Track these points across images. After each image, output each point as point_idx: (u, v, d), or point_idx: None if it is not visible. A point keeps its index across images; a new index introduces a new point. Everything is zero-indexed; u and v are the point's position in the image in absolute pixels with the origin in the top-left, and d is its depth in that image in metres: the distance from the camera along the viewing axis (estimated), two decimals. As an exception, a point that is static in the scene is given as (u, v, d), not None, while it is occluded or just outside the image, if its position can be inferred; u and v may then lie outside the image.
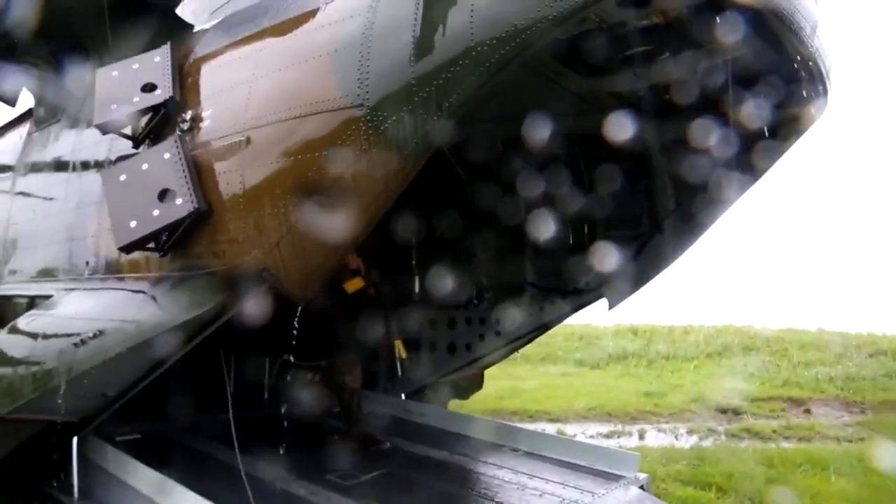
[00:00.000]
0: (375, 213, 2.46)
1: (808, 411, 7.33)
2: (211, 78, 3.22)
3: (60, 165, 4.24)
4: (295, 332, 3.26)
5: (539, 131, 3.93)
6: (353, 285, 4.28)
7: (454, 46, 2.29)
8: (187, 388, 4.29)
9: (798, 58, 2.89)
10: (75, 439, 3.61)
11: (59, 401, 3.28)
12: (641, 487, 4.11)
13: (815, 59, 2.94)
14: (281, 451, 4.16)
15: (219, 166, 2.97)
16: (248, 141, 2.84)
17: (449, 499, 3.89)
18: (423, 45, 2.34)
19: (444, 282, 5.02)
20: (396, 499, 3.73)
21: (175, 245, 3.04)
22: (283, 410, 5.05)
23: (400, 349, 4.68)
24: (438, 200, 4.47)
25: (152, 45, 3.51)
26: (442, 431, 4.93)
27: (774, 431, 6.59)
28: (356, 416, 4.58)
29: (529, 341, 5.30)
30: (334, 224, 2.53)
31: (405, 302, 5.27)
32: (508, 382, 8.40)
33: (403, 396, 5.67)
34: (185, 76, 3.29)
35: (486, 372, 5.72)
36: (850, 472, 5.01)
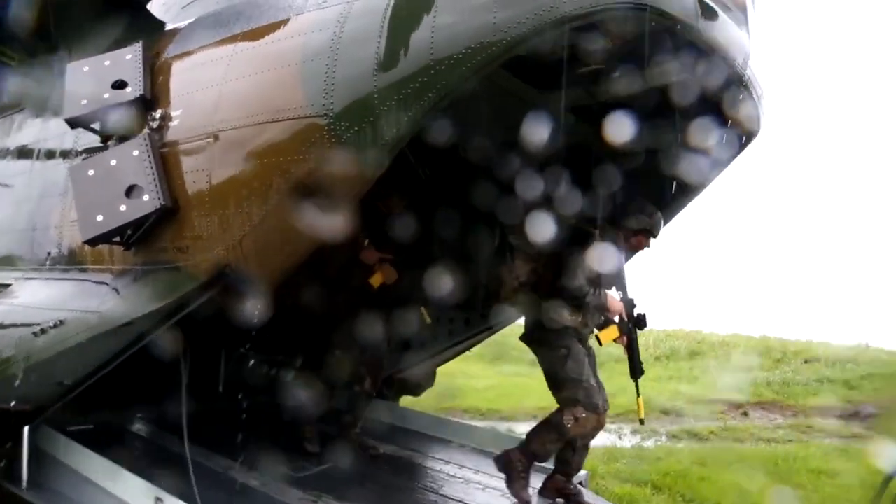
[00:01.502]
0: (335, 217, 2.60)
1: (745, 414, 7.72)
2: (181, 78, 3.30)
3: (23, 154, 4.25)
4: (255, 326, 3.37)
5: (500, 141, 4.13)
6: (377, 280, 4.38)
7: (415, 62, 2.44)
8: (146, 380, 4.33)
9: (733, 85, 3.14)
10: (27, 428, 3.64)
11: (14, 389, 3.31)
12: (580, 483, 4.34)
13: (749, 86, 3.19)
14: (235, 443, 4.25)
15: (186, 165, 3.07)
16: (216, 142, 2.95)
17: (395, 492, 4.04)
18: (385, 60, 2.49)
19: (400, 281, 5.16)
20: (345, 491, 3.85)
21: (140, 239, 3.12)
22: (241, 402, 5.13)
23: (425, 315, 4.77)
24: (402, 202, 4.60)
25: (122, 40, 3.57)
26: (392, 427, 5.09)
27: (712, 433, 6.94)
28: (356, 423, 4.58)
29: (481, 340, 5.48)
30: (295, 226, 2.67)
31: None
32: (462, 381, 8.59)
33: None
34: (155, 75, 3.37)
35: (441, 370, 5.88)
36: (774, 470, 5.37)
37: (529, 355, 11.65)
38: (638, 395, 3.83)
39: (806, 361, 9.44)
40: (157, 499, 3.22)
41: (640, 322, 3.90)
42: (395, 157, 2.63)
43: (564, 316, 3.78)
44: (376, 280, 4.39)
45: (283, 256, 2.83)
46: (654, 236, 3.89)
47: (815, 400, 7.97)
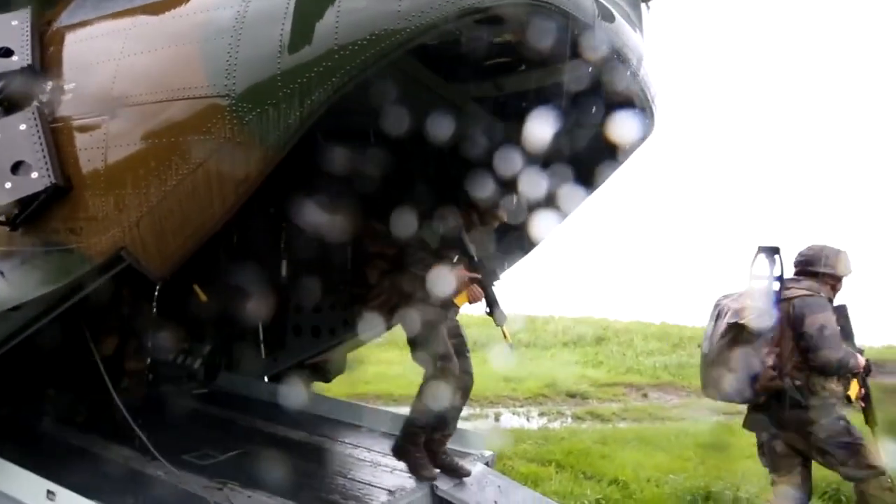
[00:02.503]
0: (236, 200, 2.57)
1: (645, 395, 8.18)
2: (75, 50, 3.14)
3: None
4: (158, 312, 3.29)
5: (409, 130, 4.17)
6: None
7: (319, 46, 2.44)
8: (39, 369, 4.13)
9: (627, 84, 3.32)
10: None
11: None
12: (487, 463, 4.49)
13: (642, 86, 3.39)
14: (137, 433, 4.12)
15: (80, 142, 2.93)
16: (113, 119, 2.84)
17: (303, 476, 4.02)
18: (290, 43, 2.47)
19: (311, 267, 5.14)
20: (251, 477, 3.82)
21: (29, 220, 2.96)
22: (142, 392, 4.98)
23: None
24: (308, 187, 4.57)
25: (7, 5, 3.35)
26: (302, 413, 5.06)
27: (614, 413, 7.32)
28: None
29: (391, 326, 5.54)
30: (195, 208, 2.62)
31: (270, 285, 5.35)
32: (375, 367, 8.63)
33: (266, 379, 5.74)
34: (46, 45, 3.19)
35: (354, 356, 5.91)
36: (667, 446, 5.74)
37: (443, 342, 11.63)
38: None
39: (699, 345, 10.09)
40: (49, 492, 3.10)
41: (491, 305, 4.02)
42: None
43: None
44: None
45: (183, 239, 2.76)
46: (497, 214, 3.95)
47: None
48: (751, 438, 6.14)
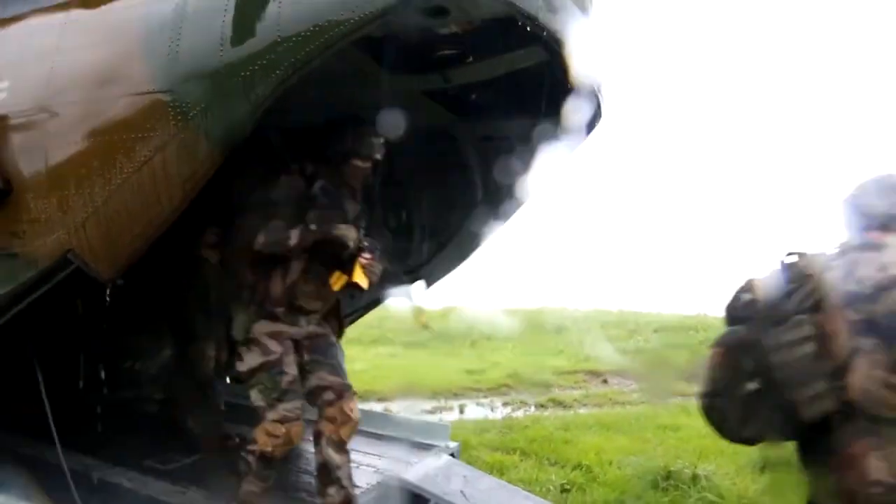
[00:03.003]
0: (184, 197, 2.53)
1: (605, 381, 8.35)
2: (7, 46, 3.04)
3: None
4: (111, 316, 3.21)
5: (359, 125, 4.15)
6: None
7: (262, 39, 2.42)
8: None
9: (574, 73, 3.37)
10: None
11: None
12: (452, 454, 4.53)
13: (590, 75, 3.45)
14: (96, 440, 4.04)
15: (18, 142, 2.85)
16: (52, 117, 2.77)
17: (269, 474, 4.00)
18: (232, 36, 2.44)
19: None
20: (216, 480, 3.78)
21: (-33, 225, 2.87)
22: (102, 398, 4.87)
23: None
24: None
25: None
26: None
27: (575, 400, 7.45)
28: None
29: (354, 320, 5.52)
30: (142, 207, 2.58)
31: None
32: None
33: (228, 380, 5.66)
34: (-24, 42, 3.09)
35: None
36: (628, 429, 5.88)
37: (404, 337, 11.95)
38: None
39: (655, 331, 10.40)
40: (5, 503, 3.03)
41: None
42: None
43: None
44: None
45: (131, 239, 2.71)
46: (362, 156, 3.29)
47: (665, 365, 8.81)
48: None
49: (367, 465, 4.23)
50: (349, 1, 2.41)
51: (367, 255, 3.11)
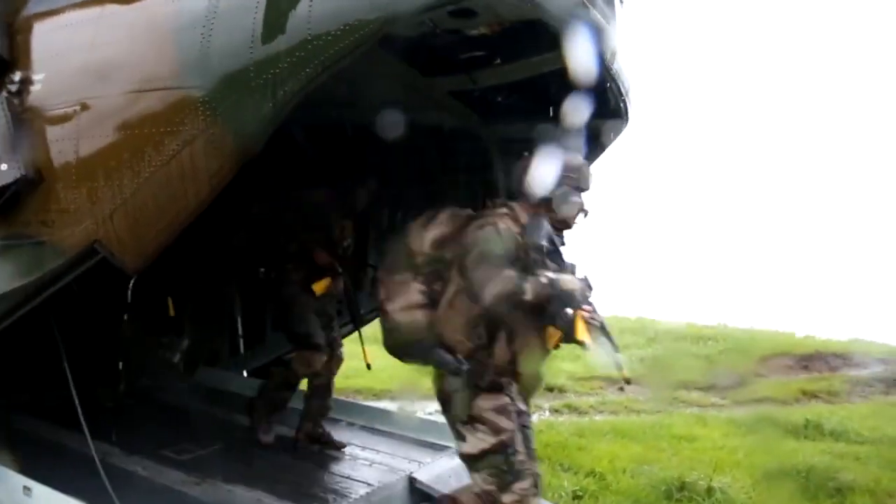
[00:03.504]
0: (210, 192, 2.56)
1: (621, 389, 8.25)
2: (45, 39, 3.09)
3: None
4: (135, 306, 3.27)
5: (386, 123, 4.18)
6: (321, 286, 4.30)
7: (292, 37, 2.43)
8: (17, 365, 4.09)
9: (601, 78, 3.36)
10: None
11: None
12: (462, 454, 4.51)
13: (615, 80, 3.43)
14: (115, 429, 4.11)
15: (51, 133, 2.89)
16: (84, 110, 2.81)
17: (282, 471, 4.05)
18: (262, 33, 2.46)
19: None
20: (230, 471, 3.83)
21: (-1, 212, 2.93)
22: (121, 388, 4.95)
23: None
24: (288, 181, 4.56)
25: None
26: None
27: (591, 406, 7.38)
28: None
29: (370, 321, 5.53)
30: (169, 200, 2.61)
31: (249, 279, 5.33)
32: (356, 362, 8.60)
33: (245, 374, 5.72)
34: (13, 33, 3.14)
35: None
36: (643, 438, 5.82)
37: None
38: None
39: (674, 340, 10.31)
40: (26, 488, 3.08)
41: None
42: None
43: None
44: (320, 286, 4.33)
45: (157, 232, 2.75)
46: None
47: (681, 375, 8.72)
48: (721, 430, 6.30)
49: (379, 462, 4.26)
50: (378, 2, 2.42)
51: (587, 307, 2.62)
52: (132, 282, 2.92)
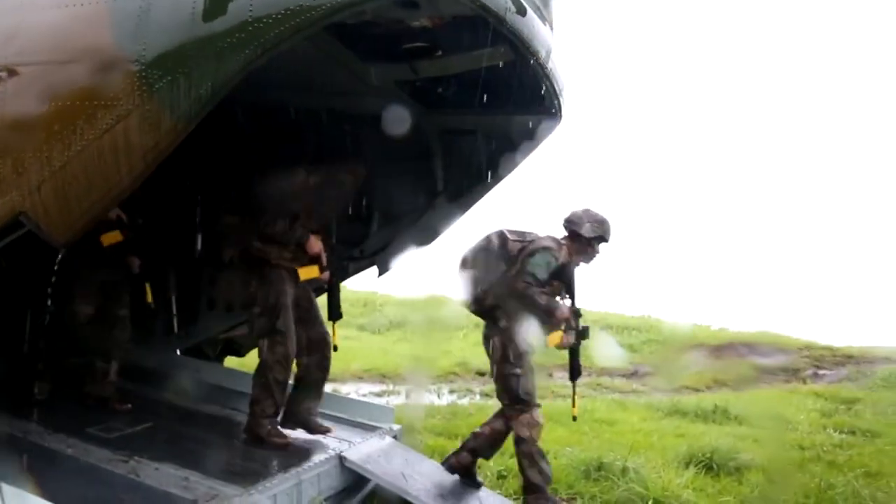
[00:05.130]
0: (144, 168, 2.54)
1: (550, 375, 8.54)
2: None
3: None
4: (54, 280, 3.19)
5: (327, 108, 4.21)
6: (111, 238, 4.21)
7: (232, 18, 2.44)
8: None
9: (535, 76, 3.50)
10: None
11: None
12: (395, 437, 4.63)
13: (550, 78, 3.57)
14: (39, 406, 4.00)
15: (-27, 99, 2.81)
16: (11, 77, 2.73)
17: (213, 448, 4.04)
18: (203, 12, 2.45)
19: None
20: (156, 449, 3.79)
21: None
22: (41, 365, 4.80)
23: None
24: (224, 161, 4.53)
25: None
26: (214, 387, 5.04)
27: (520, 391, 7.61)
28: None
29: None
30: (101, 175, 2.58)
31: (185, 258, 5.27)
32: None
33: (179, 352, 5.65)
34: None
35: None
36: (567, 421, 6.06)
37: (358, 320, 11.95)
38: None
39: (601, 329, 10.76)
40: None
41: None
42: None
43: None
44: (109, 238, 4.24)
45: (88, 206, 2.70)
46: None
47: (611, 363, 9.14)
48: (639, 414, 6.65)
49: (310, 442, 4.30)
50: None
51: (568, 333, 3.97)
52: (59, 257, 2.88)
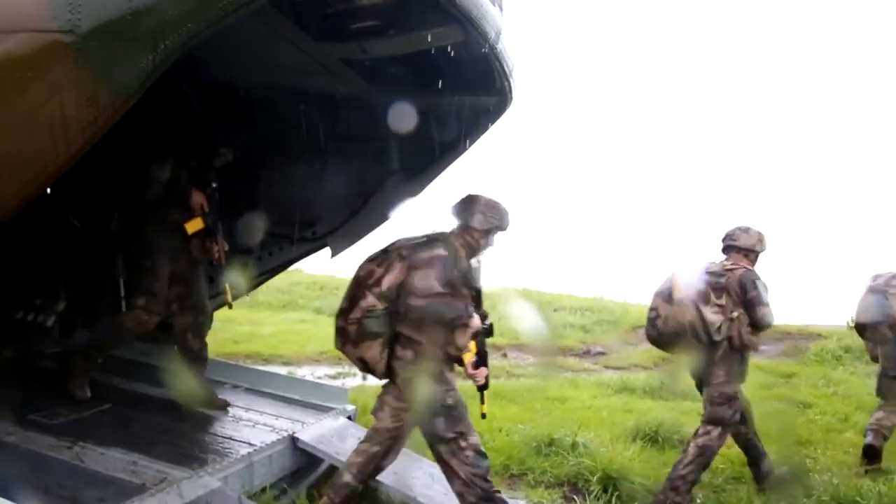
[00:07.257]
0: (83, 144, 2.46)
1: (504, 355, 8.70)
2: None
3: None
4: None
5: (276, 86, 4.15)
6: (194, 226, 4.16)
7: (173, -11, 2.38)
8: None
9: (486, 56, 3.51)
10: None
11: None
12: (349, 417, 4.66)
13: (500, 59, 3.60)
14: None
15: None
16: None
17: (161, 432, 3.99)
18: (143, -18, 2.38)
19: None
20: (102, 434, 3.72)
21: None
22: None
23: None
24: (175, 140, 4.42)
25: None
26: (163, 370, 4.95)
27: (476, 372, 7.72)
28: None
29: (258, 285, 5.51)
30: (36, 151, 2.49)
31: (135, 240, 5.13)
32: (247, 328, 8.53)
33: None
34: None
35: (225, 316, 5.79)
36: (520, 399, 6.21)
37: (314, 303, 11.83)
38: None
39: (555, 310, 10.97)
40: None
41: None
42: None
43: None
44: (193, 226, 4.17)
45: (23, 183, 2.60)
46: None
47: (560, 342, 9.34)
48: (590, 392, 6.84)
49: (262, 423, 4.29)
50: None
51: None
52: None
